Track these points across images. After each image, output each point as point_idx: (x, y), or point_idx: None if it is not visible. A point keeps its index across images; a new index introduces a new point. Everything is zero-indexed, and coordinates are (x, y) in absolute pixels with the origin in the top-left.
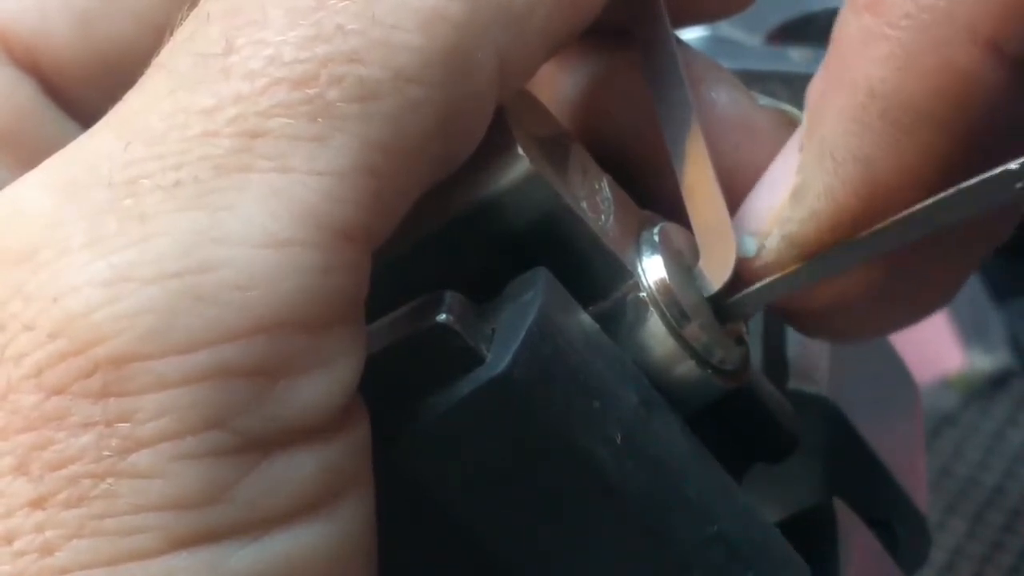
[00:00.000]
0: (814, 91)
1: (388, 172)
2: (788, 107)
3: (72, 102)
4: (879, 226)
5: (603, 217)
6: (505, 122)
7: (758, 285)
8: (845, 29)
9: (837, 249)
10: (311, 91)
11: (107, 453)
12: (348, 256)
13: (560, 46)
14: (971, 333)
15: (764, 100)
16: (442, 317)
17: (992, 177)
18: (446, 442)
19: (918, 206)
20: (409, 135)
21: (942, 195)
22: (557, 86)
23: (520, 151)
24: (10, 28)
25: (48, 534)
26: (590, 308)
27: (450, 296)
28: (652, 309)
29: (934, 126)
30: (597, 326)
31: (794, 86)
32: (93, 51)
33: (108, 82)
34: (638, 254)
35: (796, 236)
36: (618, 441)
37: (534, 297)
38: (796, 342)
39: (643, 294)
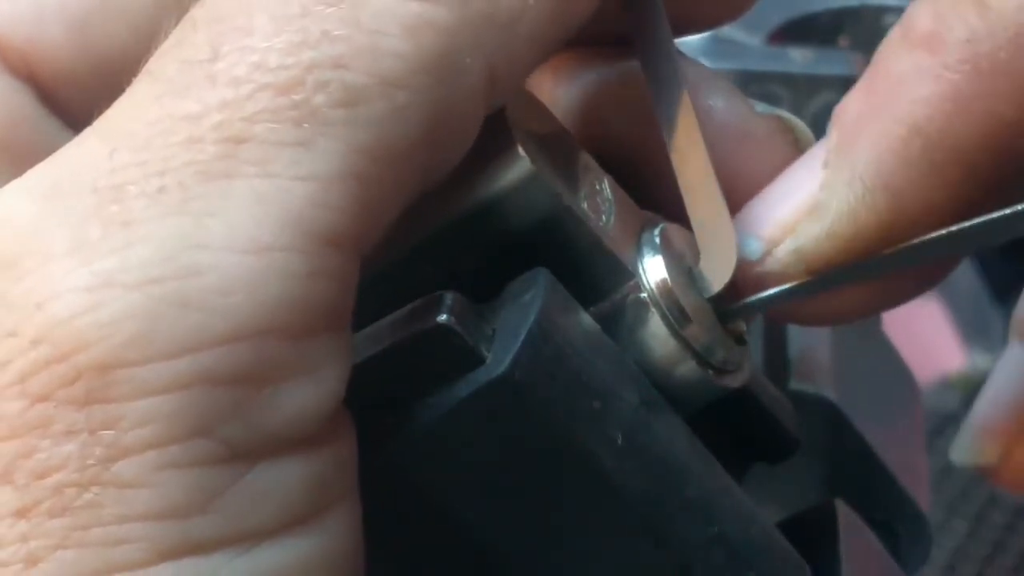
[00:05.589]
0: (848, 112)
1: (374, 178)
2: (785, 113)
3: (68, 110)
4: (890, 250)
5: (604, 217)
6: (505, 122)
7: (761, 295)
8: (895, 61)
9: (843, 267)
10: (297, 97)
11: (91, 462)
12: (333, 262)
13: (551, 51)
14: (972, 333)
15: (761, 107)
16: (442, 318)
17: (1013, 215)
18: (446, 443)
19: (932, 235)
20: (396, 141)
21: (957, 227)
22: (558, 94)
23: (521, 151)
24: (6, 36)
25: (32, 544)
26: (591, 309)
27: (450, 297)
28: (653, 310)
29: (971, 171)
30: (598, 326)
31: (794, 86)
32: (89, 60)
33: (104, 91)
34: (639, 254)
35: (808, 251)
36: (619, 441)
37: (534, 297)
38: (797, 342)
39: (644, 295)
